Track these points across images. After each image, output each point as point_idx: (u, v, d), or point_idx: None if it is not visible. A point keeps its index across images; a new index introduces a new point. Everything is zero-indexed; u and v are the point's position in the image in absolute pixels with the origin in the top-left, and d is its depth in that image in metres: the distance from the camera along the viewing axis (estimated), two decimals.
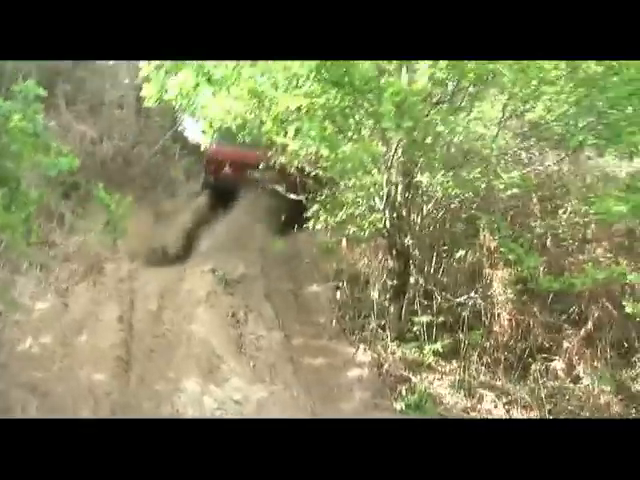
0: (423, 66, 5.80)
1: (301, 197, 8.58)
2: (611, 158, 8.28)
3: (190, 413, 6.31)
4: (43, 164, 6.48)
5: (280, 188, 8.56)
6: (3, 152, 6.20)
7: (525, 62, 6.15)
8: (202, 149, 7.59)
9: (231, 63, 6.63)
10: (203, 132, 7.41)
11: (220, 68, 6.60)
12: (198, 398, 6.55)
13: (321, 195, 8.11)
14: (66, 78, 14.06)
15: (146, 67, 7.09)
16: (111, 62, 14.65)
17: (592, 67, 6.40)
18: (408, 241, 7.65)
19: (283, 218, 10.20)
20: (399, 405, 7.00)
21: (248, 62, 6.48)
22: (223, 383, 6.87)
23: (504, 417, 6.91)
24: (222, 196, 11.29)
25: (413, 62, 6.03)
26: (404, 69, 6.54)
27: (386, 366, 7.46)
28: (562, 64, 6.41)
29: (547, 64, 6.30)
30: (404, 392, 7.18)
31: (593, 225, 7.56)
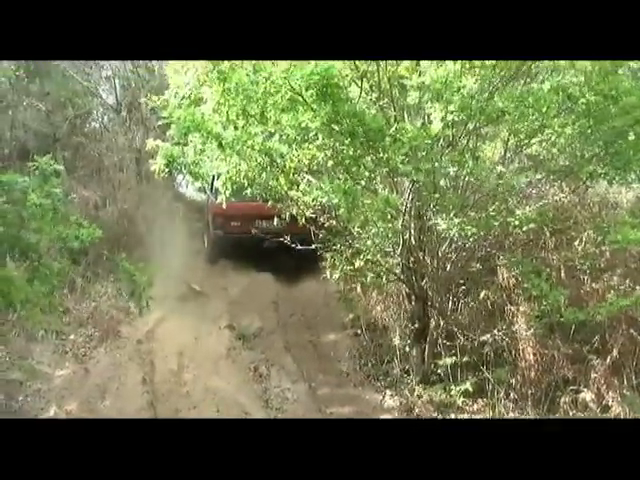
0: (436, 112, 5.86)
1: (312, 247, 8.56)
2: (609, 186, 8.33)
3: None
4: (64, 236, 6.55)
5: (290, 239, 8.51)
6: (24, 226, 6.28)
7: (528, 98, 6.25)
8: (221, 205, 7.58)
9: (240, 123, 6.70)
10: (217, 191, 7.47)
11: (229, 131, 6.66)
12: None
13: (334, 244, 8.12)
14: (63, 145, 14.15)
15: (150, 142, 7.23)
16: (110, 128, 14.78)
17: (590, 98, 6.41)
18: (425, 284, 7.68)
19: (294, 269, 10.26)
20: None
21: (258, 125, 6.54)
22: None
23: None
24: (230, 250, 11.27)
25: (425, 109, 6.14)
26: (409, 115, 6.69)
27: (416, 410, 7.45)
28: (561, 98, 6.42)
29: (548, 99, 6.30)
30: None
31: (607, 253, 7.59)
